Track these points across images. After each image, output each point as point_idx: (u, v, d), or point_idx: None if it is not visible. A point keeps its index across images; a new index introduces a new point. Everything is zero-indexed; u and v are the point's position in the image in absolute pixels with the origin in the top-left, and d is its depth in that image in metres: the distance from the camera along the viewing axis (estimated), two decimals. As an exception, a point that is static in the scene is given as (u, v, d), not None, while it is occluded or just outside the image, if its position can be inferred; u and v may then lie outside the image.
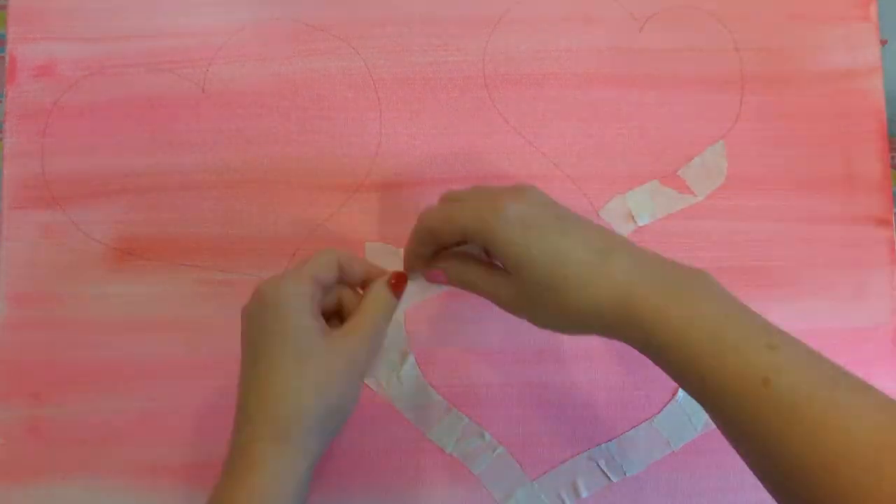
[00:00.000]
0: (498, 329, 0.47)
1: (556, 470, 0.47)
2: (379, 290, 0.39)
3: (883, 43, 0.51)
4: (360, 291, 0.41)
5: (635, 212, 0.48)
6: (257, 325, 0.37)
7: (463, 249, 0.40)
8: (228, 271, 0.47)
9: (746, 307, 0.34)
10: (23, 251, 0.47)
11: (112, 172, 0.48)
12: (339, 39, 0.49)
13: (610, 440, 0.47)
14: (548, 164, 0.49)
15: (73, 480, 0.45)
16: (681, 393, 0.47)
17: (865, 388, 0.31)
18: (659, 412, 0.47)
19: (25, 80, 0.48)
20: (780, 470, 0.30)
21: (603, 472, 0.47)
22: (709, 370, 0.31)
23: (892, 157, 0.51)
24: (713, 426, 0.34)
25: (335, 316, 0.41)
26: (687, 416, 0.47)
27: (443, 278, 0.40)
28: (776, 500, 0.31)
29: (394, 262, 0.47)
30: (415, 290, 0.43)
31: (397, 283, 0.40)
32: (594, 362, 0.47)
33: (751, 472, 0.32)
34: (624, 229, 0.48)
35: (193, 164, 0.48)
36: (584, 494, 0.46)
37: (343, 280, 0.40)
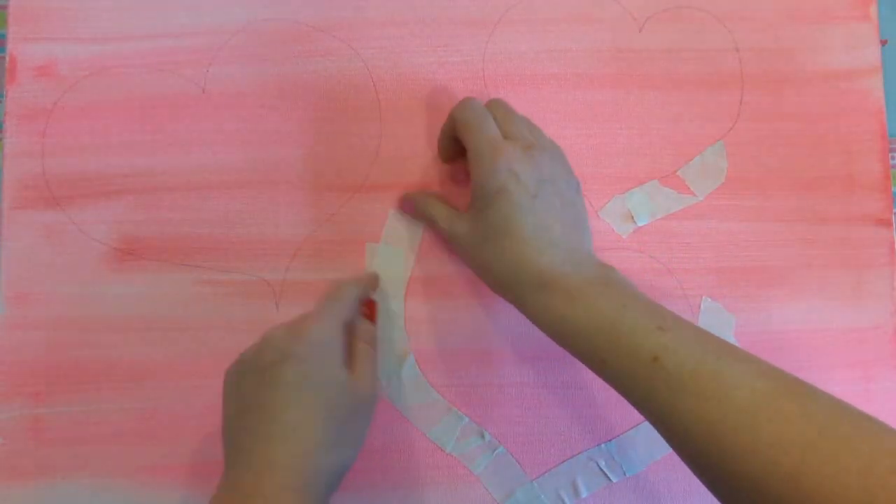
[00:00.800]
0: (498, 329, 0.47)
1: (556, 470, 0.47)
2: (366, 329, 0.43)
3: (883, 43, 0.51)
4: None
5: (635, 212, 0.48)
6: (300, 367, 0.36)
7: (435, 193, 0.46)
8: (228, 271, 0.47)
9: (647, 300, 0.37)
10: (23, 251, 0.47)
11: (112, 172, 0.48)
12: (340, 40, 0.49)
13: (610, 440, 0.47)
14: (548, 164, 0.49)
15: (73, 480, 0.45)
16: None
17: (748, 359, 0.33)
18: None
19: (25, 80, 0.48)
20: (677, 438, 0.34)
21: (603, 472, 0.47)
22: (607, 354, 0.35)
23: (893, 157, 0.51)
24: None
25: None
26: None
27: (409, 208, 0.46)
28: (689, 467, 0.35)
29: (394, 262, 0.47)
30: (403, 229, 0.47)
31: (370, 313, 0.45)
32: (594, 362, 0.47)
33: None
34: (624, 229, 0.48)
35: (193, 164, 0.48)
36: (584, 494, 0.46)
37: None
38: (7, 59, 0.48)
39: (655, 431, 0.47)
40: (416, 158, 0.48)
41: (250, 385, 0.37)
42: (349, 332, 0.41)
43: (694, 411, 0.32)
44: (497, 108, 0.43)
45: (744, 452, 0.30)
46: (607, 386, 0.48)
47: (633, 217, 0.48)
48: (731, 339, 0.48)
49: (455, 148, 0.45)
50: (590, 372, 0.47)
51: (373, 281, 0.46)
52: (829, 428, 0.29)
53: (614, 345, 0.35)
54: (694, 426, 0.32)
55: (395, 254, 0.47)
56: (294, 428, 0.36)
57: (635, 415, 0.47)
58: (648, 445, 0.47)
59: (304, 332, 0.38)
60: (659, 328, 0.35)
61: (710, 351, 0.34)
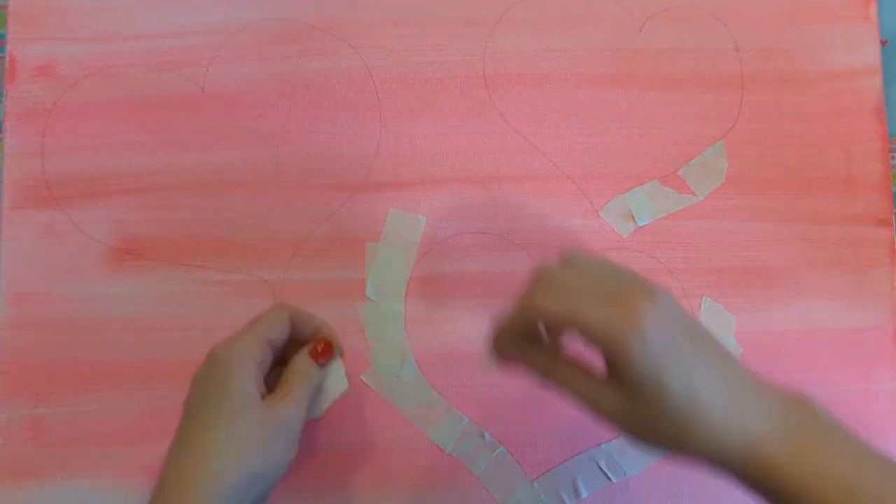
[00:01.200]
0: (498, 329, 0.47)
1: (556, 470, 0.47)
2: (300, 364, 0.41)
3: (883, 43, 0.51)
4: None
5: (635, 212, 0.48)
6: (201, 387, 0.38)
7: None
8: (228, 271, 0.47)
9: (872, 447, 0.32)
10: (23, 251, 0.47)
11: (112, 172, 0.48)
12: (339, 39, 0.49)
13: (610, 440, 0.47)
14: (548, 164, 0.49)
15: (73, 480, 0.45)
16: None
17: None
18: (659, 412, 0.47)
19: (25, 80, 0.48)
20: None
21: (603, 472, 0.47)
22: None
23: (893, 157, 0.51)
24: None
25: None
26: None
27: (521, 371, 0.35)
28: None
29: (394, 262, 0.47)
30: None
31: (322, 353, 0.41)
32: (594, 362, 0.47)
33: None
34: (624, 229, 0.48)
35: (193, 164, 0.48)
36: (584, 494, 0.46)
37: (294, 336, 0.41)
38: (7, 59, 0.48)
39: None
40: (416, 158, 0.48)
41: (185, 400, 0.39)
42: (285, 359, 0.41)
43: None
44: (544, 278, 0.33)
45: None
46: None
47: (633, 217, 0.48)
48: (731, 340, 0.48)
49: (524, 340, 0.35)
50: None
51: (325, 330, 0.43)
52: None
53: None
54: None
55: (395, 254, 0.47)
56: (192, 436, 0.37)
57: (635, 415, 0.47)
58: (648, 445, 0.47)
59: (211, 351, 0.39)
60: None
61: None
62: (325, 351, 0.42)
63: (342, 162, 0.48)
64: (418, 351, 0.47)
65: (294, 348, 0.42)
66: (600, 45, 0.50)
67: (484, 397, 0.47)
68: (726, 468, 0.32)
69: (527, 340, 0.34)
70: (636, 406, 0.31)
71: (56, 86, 0.48)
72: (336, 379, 0.43)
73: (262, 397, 0.38)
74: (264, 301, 0.47)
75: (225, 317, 0.47)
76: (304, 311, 0.42)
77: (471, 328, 0.47)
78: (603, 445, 0.47)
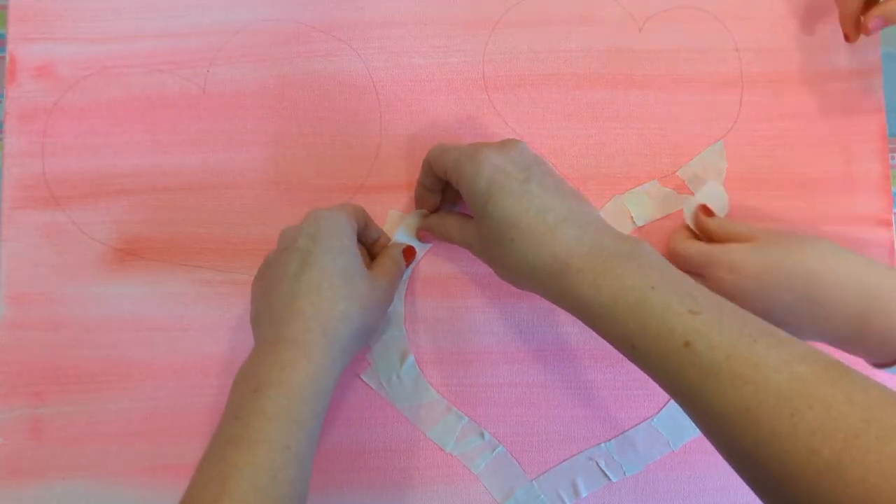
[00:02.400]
0: (498, 329, 0.47)
1: (556, 470, 0.47)
2: (397, 250, 0.45)
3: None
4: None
5: (634, 212, 0.48)
6: (313, 238, 0.40)
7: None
8: (228, 271, 0.47)
9: (677, 276, 0.35)
10: (23, 251, 0.47)
11: (112, 172, 0.48)
12: (340, 40, 0.49)
13: (610, 440, 0.47)
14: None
15: (73, 480, 0.45)
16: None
17: (787, 342, 0.32)
18: (659, 412, 0.47)
19: (25, 80, 0.48)
20: (710, 424, 0.32)
21: (603, 472, 0.47)
22: (636, 338, 0.34)
23: (893, 157, 0.51)
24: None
25: None
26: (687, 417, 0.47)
27: (429, 236, 0.46)
28: (720, 453, 0.33)
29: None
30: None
31: (408, 255, 0.46)
32: (594, 362, 0.47)
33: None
34: (624, 229, 0.48)
35: (193, 164, 0.48)
36: (584, 494, 0.46)
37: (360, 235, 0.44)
38: (7, 59, 0.48)
39: (655, 431, 0.47)
40: (416, 158, 0.48)
41: (268, 274, 0.41)
42: (368, 243, 0.46)
43: (728, 397, 0.31)
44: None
45: (781, 439, 0.29)
46: (607, 386, 0.48)
47: (632, 217, 0.48)
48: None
49: (432, 190, 0.45)
50: (590, 372, 0.47)
51: (383, 235, 0.47)
52: (875, 416, 0.28)
53: (643, 329, 0.33)
54: (728, 412, 0.31)
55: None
56: (316, 284, 0.38)
57: (635, 415, 0.47)
58: (648, 445, 0.47)
59: (310, 215, 0.41)
60: (690, 311, 0.33)
61: (746, 333, 0.32)
62: (410, 254, 0.46)
63: (342, 162, 0.48)
64: (418, 351, 0.47)
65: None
66: (600, 45, 0.50)
67: (484, 397, 0.47)
68: (548, 294, 0.37)
69: (431, 190, 0.45)
70: (480, 230, 0.40)
71: (56, 86, 0.48)
72: None
73: None
74: (264, 301, 0.47)
75: (225, 317, 0.47)
76: (369, 216, 0.46)
77: (470, 328, 0.47)
78: (603, 445, 0.47)
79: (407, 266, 0.46)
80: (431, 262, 0.48)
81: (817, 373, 0.30)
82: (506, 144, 0.40)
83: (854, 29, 0.46)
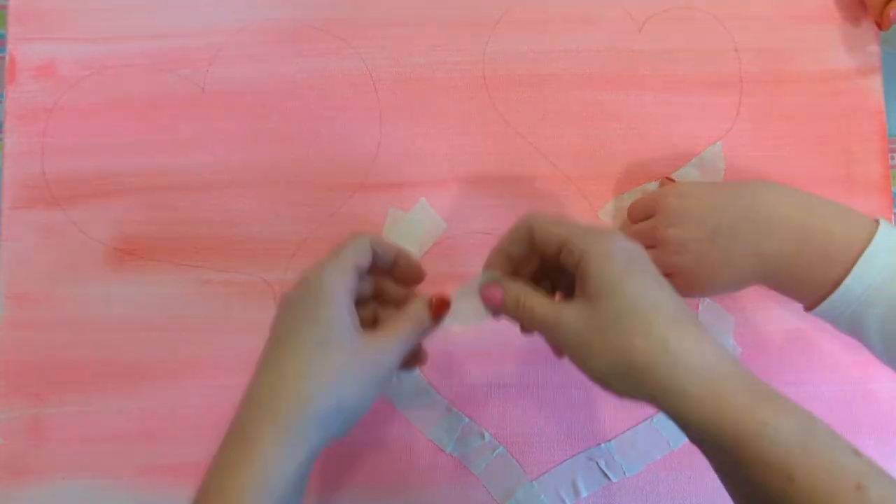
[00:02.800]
0: (498, 329, 0.47)
1: (556, 470, 0.47)
2: (419, 308, 0.38)
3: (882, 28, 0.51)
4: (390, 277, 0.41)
5: (635, 212, 0.48)
6: (293, 311, 0.36)
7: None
8: (228, 271, 0.47)
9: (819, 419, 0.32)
10: (23, 251, 0.47)
11: (112, 172, 0.48)
12: (340, 40, 0.49)
13: (610, 440, 0.47)
14: (547, 164, 0.49)
15: (73, 480, 0.45)
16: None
17: None
18: (659, 412, 0.47)
19: (25, 80, 0.48)
20: None
21: (603, 472, 0.47)
22: (799, 470, 0.30)
23: (892, 157, 0.51)
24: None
25: (369, 303, 0.41)
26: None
27: (498, 298, 0.37)
28: None
29: (394, 262, 0.47)
30: (462, 313, 0.39)
31: (438, 308, 0.38)
32: (594, 362, 0.47)
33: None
34: (624, 229, 0.48)
35: (193, 164, 0.48)
36: (584, 494, 0.46)
37: (374, 265, 0.39)
38: (7, 59, 0.48)
39: (655, 431, 0.47)
40: (416, 158, 0.48)
41: (273, 322, 0.37)
42: (379, 282, 0.40)
43: None
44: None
45: None
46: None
47: (632, 217, 0.48)
48: (730, 340, 0.48)
49: (514, 259, 0.38)
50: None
51: (402, 257, 0.40)
52: None
53: (812, 462, 0.30)
54: None
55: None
56: (282, 358, 0.35)
57: (635, 415, 0.47)
58: (648, 445, 0.47)
59: (301, 277, 0.37)
60: (854, 452, 0.30)
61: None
62: (441, 306, 0.38)
63: (342, 162, 0.48)
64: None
65: (389, 284, 0.40)
66: (600, 45, 0.50)
67: (484, 397, 0.47)
68: (667, 399, 0.32)
69: (513, 260, 0.38)
70: (590, 309, 0.33)
71: (56, 86, 0.48)
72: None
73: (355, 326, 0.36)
74: (264, 301, 0.47)
75: (225, 317, 0.47)
76: (380, 237, 0.40)
77: (471, 328, 0.47)
78: (603, 445, 0.47)
79: (436, 321, 0.38)
80: (431, 263, 0.48)
81: None
82: (627, 238, 0.35)
83: (883, 18, 0.47)
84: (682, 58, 0.50)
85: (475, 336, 0.47)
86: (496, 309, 0.37)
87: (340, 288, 0.36)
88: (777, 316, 0.48)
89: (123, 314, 0.47)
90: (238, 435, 0.34)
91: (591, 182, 0.49)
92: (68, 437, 0.46)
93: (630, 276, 0.33)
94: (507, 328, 0.47)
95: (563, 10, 0.50)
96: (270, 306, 0.47)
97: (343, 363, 0.35)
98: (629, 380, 0.32)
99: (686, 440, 0.47)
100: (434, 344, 0.47)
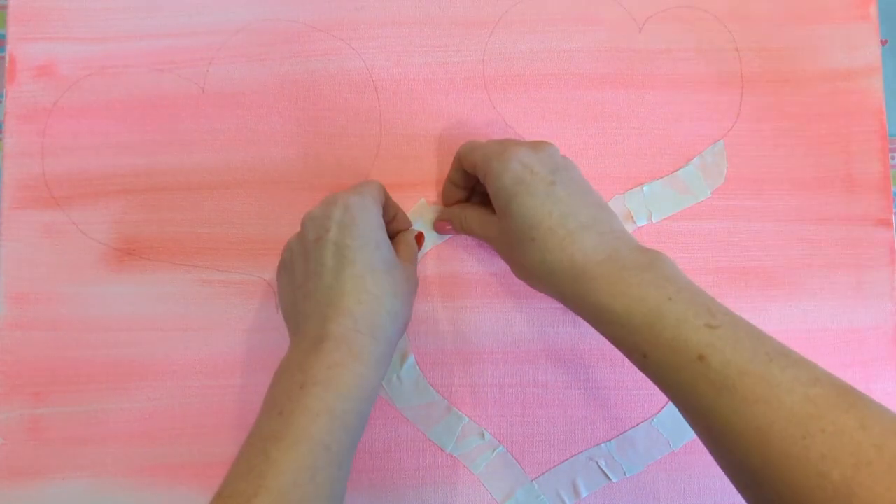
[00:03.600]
0: (498, 329, 0.47)
1: (556, 470, 0.47)
2: (411, 236, 0.46)
3: (883, 43, 0.51)
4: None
5: (635, 212, 0.48)
6: (347, 230, 0.39)
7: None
8: (228, 271, 0.47)
9: (695, 289, 0.35)
10: (23, 251, 0.47)
11: (112, 172, 0.48)
12: (339, 40, 0.49)
13: (610, 440, 0.47)
14: (548, 164, 0.49)
15: (73, 480, 0.45)
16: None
17: (802, 363, 0.32)
18: (659, 412, 0.47)
19: (25, 80, 0.48)
20: (717, 441, 0.32)
21: (603, 472, 0.47)
22: (649, 348, 0.34)
23: (893, 157, 0.51)
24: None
25: None
26: (687, 416, 0.47)
27: (448, 228, 0.46)
28: (723, 470, 0.33)
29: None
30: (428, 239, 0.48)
31: (419, 239, 0.47)
32: (594, 362, 0.47)
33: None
34: (624, 229, 0.48)
35: (193, 164, 0.48)
36: (584, 494, 0.46)
37: None
38: (7, 59, 0.48)
39: (655, 431, 0.47)
40: (416, 158, 0.48)
41: (300, 264, 0.40)
42: (386, 220, 0.44)
43: (739, 414, 0.30)
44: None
45: (791, 461, 0.29)
46: (607, 386, 0.48)
47: (632, 217, 0.48)
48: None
49: (460, 186, 0.45)
50: (590, 372, 0.47)
51: (398, 209, 0.46)
52: (887, 443, 0.28)
53: (657, 339, 0.33)
54: (738, 430, 0.30)
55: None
56: (360, 280, 0.37)
57: (635, 415, 0.47)
58: (648, 445, 0.47)
59: (339, 202, 0.40)
60: (707, 325, 0.33)
61: (762, 352, 0.32)
62: (420, 239, 0.47)
63: (342, 162, 0.48)
64: (418, 351, 0.47)
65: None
66: (600, 45, 0.50)
67: (484, 397, 0.47)
68: (563, 299, 0.38)
69: (459, 187, 0.45)
70: (501, 227, 0.40)
71: (56, 86, 0.48)
72: None
73: None
74: (264, 301, 0.47)
75: (225, 317, 0.47)
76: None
77: (471, 328, 0.47)
78: (603, 445, 0.47)
79: (419, 247, 0.47)
80: (431, 262, 0.48)
81: (831, 396, 0.30)
82: (537, 145, 0.40)
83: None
84: (683, 58, 0.50)
85: (475, 336, 0.47)
86: (449, 234, 0.47)
87: (379, 216, 0.41)
88: (777, 316, 0.48)
89: (123, 314, 0.47)
90: (338, 342, 0.36)
91: (592, 182, 0.48)
92: (68, 437, 0.46)
93: (516, 199, 0.38)
94: (507, 328, 0.47)
95: (563, 10, 0.50)
96: (270, 306, 0.47)
97: (404, 283, 0.40)
98: (541, 284, 0.39)
99: (686, 440, 0.47)
100: (434, 344, 0.47)
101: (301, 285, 0.39)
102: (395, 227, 0.45)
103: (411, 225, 0.47)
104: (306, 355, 0.36)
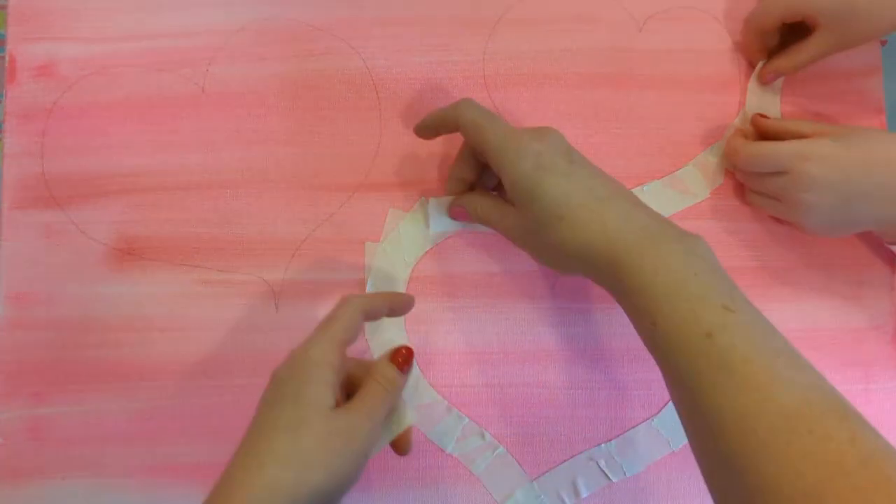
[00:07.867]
0: (498, 329, 0.47)
1: (556, 470, 0.47)
2: (384, 369, 0.39)
3: (883, 43, 0.51)
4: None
5: (635, 212, 0.48)
6: (278, 388, 0.36)
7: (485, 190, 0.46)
8: (228, 271, 0.47)
9: (723, 274, 0.35)
10: (23, 251, 0.47)
11: (112, 172, 0.48)
12: (339, 39, 0.49)
13: (610, 440, 0.47)
14: (548, 164, 0.49)
15: (73, 480, 0.45)
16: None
17: (808, 368, 0.32)
18: (659, 412, 0.47)
19: (25, 80, 0.48)
20: (700, 420, 0.32)
21: (603, 472, 0.47)
22: (661, 316, 0.33)
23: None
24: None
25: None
26: (687, 416, 0.47)
27: (463, 214, 0.45)
28: (694, 452, 0.33)
29: (395, 261, 0.47)
30: (441, 224, 0.47)
31: (404, 360, 0.39)
32: (594, 362, 0.47)
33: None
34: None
35: (193, 164, 0.48)
36: (584, 494, 0.46)
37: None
38: (7, 59, 0.48)
39: (655, 431, 0.47)
40: (416, 158, 0.48)
41: (261, 397, 0.38)
42: (361, 365, 0.40)
43: (730, 396, 0.30)
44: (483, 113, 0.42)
45: (770, 452, 0.28)
46: (607, 386, 0.47)
47: (633, 217, 0.48)
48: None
49: (467, 178, 0.44)
50: (590, 372, 0.47)
51: (396, 301, 0.42)
52: (873, 462, 0.27)
53: (672, 309, 0.33)
54: (724, 411, 0.30)
55: (396, 253, 0.47)
56: (251, 444, 0.35)
57: (635, 415, 0.47)
58: (648, 445, 0.47)
59: (291, 354, 0.37)
60: (724, 307, 0.33)
61: (771, 346, 0.32)
62: (407, 357, 0.40)
63: (342, 162, 0.48)
64: (418, 351, 0.47)
65: (354, 365, 0.40)
66: (600, 45, 0.50)
67: (484, 397, 0.47)
68: (594, 271, 0.37)
69: (466, 181, 0.45)
70: (522, 216, 0.40)
71: (56, 86, 0.48)
72: (400, 412, 0.40)
73: (337, 404, 0.36)
74: (264, 301, 0.47)
75: (225, 317, 0.47)
76: (371, 295, 0.42)
77: (471, 328, 0.47)
78: (603, 445, 0.47)
79: (403, 371, 0.39)
80: (431, 262, 0.48)
81: (827, 404, 0.30)
82: (542, 132, 0.40)
83: (761, 74, 0.49)
84: (683, 58, 0.50)
85: (475, 336, 0.47)
86: (465, 220, 0.46)
87: (324, 366, 0.36)
88: (777, 316, 0.48)
89: (123, 314, 0.47)
90: None
91: (592, 182, 0.49)
92: (68, 437, 0.46)
93: (541, 183, 0.38)
94: (507, 328, 0.47)
95: (563, 9, 0.50)
96: (270, 306, 0.47)
97: (313, 445, 0.34)
98: (570, 262, 0.38)
99: (686, 440, 0.47)
100: (434, 344, 0.47)
101: None
102: (389, 314, 0.41)
103: (411, 302, 0.42)
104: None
